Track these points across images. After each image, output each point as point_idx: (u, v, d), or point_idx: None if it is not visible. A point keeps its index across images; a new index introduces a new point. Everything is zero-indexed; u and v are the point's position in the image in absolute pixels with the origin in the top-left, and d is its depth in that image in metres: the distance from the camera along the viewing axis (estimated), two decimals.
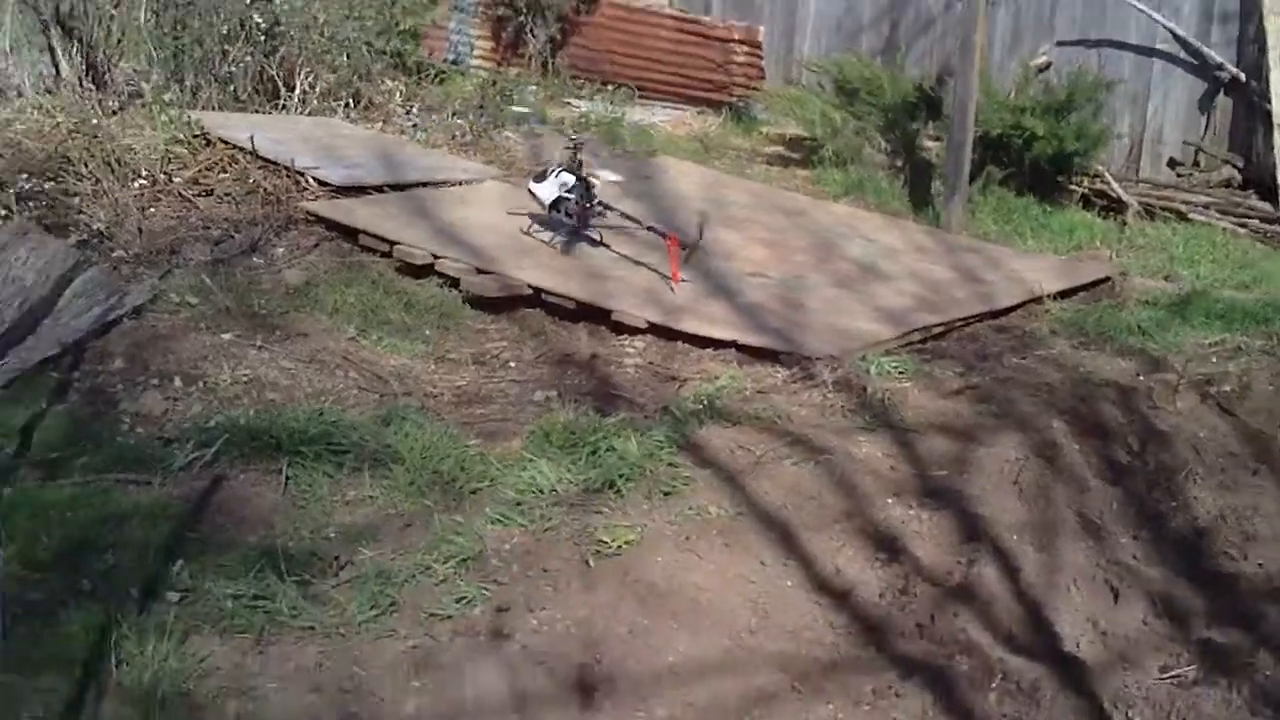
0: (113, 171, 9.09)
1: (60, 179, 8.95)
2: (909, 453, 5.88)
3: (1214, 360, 7.22)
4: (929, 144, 12.14)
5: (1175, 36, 12.14)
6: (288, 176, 9.58)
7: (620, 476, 5.51)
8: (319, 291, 7.93)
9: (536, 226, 9.07)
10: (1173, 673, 4.55)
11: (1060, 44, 12.75)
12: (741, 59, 14.33)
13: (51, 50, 11.18)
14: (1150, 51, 12.35)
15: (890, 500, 5.48)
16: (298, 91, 11.74)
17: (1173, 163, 12.35)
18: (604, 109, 13.67)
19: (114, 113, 10.27)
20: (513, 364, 7.56)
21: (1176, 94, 12.28)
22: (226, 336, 7.09)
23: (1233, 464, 5.75)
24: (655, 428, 6.02)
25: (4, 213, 8.22)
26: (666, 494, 5.41)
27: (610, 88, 14.40)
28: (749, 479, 5.52)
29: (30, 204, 8.60)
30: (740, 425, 6.12)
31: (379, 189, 9.64)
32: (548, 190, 8.82)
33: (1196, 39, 12.06)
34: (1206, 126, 12.19)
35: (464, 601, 4.75)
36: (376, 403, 6.62)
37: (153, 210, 8.99)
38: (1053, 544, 5.23)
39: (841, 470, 5.63)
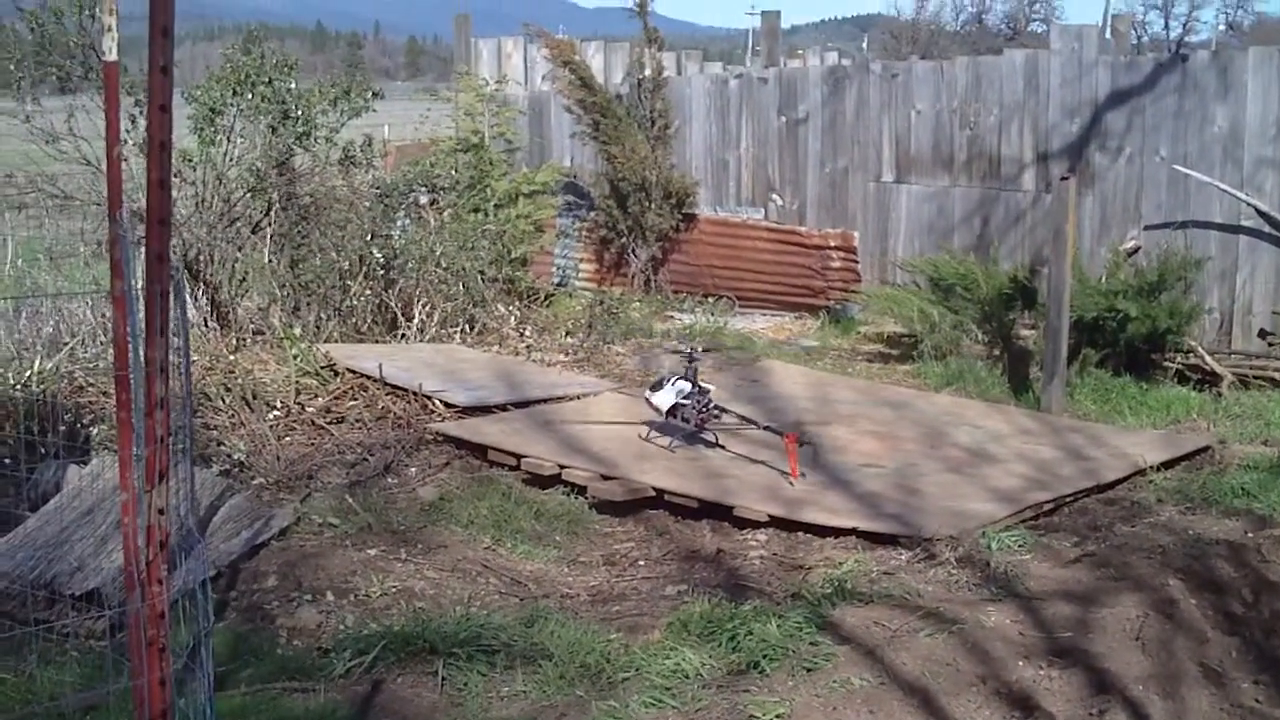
0: (248, 404, 9.60)
1: (199, 413, 9.44)
2: (1035, 618, 6.08)
3: None
4: (1025, 332, 12.40)
5: (1259, 212, 12.38)
6: (415, 401, 10.06)
7: (764, 657, 5.72)
8: (453, 505, 8.33)
9: (654, 433, 9.47)
10: None
11: (1148, 228, 13.03)
12: (838, 264, 14.76)
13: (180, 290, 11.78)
14: (1235, 228, 12.59)
15: (1021, 663, 5.67)
16: (416, 321, 12.29)
17: (1263, 333, 12.50)
18: (706, 320, 14.14)
19: (237, 349, 10.83)
20: (642, 562, 7.86)
21: (1263, 267, 12.49)
22: (371, 552, 7.45)
23: None
24: (791, 611, 6.25)
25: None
26: (809, 670, 5.61)
27: (710, 299, 14.89)
28: (887, 651, 5.73)
29: (174, 438, 9.06)
30: (872, 604, 6.35)
31: (502, 407, 10.10)
32: (665, 398, 9.22)
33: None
34: None
35: None
36: (518, 605, 6.90)
37: (288, 439, 9.48)
38: (1177, 692, 5.39)
39: (973, 638, 5.84)
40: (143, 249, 3.86)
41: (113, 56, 4.35)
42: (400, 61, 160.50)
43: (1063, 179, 11.21)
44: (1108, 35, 18.84)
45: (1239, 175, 12.49)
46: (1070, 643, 5.82)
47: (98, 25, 10.57)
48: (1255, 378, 11.47)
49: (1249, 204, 12.38)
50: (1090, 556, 6.97)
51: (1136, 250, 12.91)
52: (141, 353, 3.90)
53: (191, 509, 7.50)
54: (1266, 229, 12.41)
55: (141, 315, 3.85)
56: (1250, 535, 7.05)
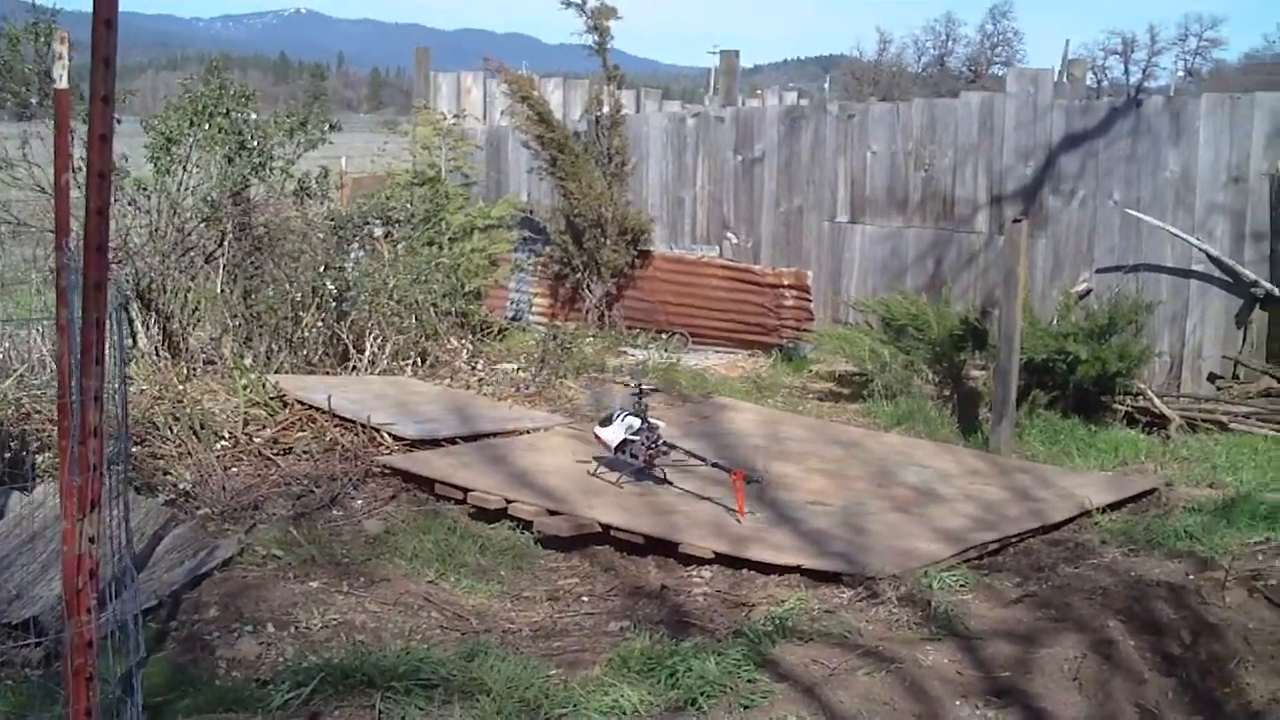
0: (196, 434, 9.55)
1: (147, 442, 9.40)
2: (974, 658, 6.09)
3: (1260, 557, 7.37)
4: (975, 373, 12.49)
5: (1210, 257, 12.53)
6: (364, 433, 10.04)
7: (702, 694, 5.71)
8: (398, 539, 8.31)
9: (603, 468, 9.46)
10: None
11: (1099, 271, 13.17)
12: (791, 303, 14.84)
13: (131, 322, 11.76)
14: (1186, 273, 12.74)
15: (959, 702, 5.68)
16: (368, 353, 12.27)
17: (1213, 376, 12.63)
18: (660, 356, 14.16)
19: (188, 379, 10.78)
20: (585, 598, 7.84)
21: (1214, 311, 12.63)
22: (314, 584, 7.41)
23: None
24: (731, 648, 6.24)
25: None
26: (746, 707, 5.60)
27: (664, 336, 14.93)
28: (824, 689, 5.72)
29: (113, 466, 9.03)
30: (812, 642, 6.35)
31: (451, 440, 10.09)
32: (614, 433, 9.23)
33: (1230, 258, 12.44)
34: (1244, 340, 12.49)
35: None
36: (459, 640, 6.86)
37: (235, 469, 9.43)
38: None
39: (911, 677, 5.84)
40: None
41: (63, 84, 4.34)
42: (363, 93, 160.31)
43: (1015, 221, 11.31)
44: (1064, 79, 19.03)
45: (1190, 220, 12.63)
46: (1008, 682, 5.84)
47: (52, 53, 10.55)
48: (1204, 421, 11.56)
49: (1200, 249, 12.51)
50: (1032, 597, 6.99)
51: (1088, 293, 13.02)
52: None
53: (129, 539, 7.50)
54: (1217, 273, 12.55)
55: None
56: (1191, 577, 7.09)
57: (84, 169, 9.87)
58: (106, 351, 3.85)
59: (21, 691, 5.92)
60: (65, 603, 4.22)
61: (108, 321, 3.94)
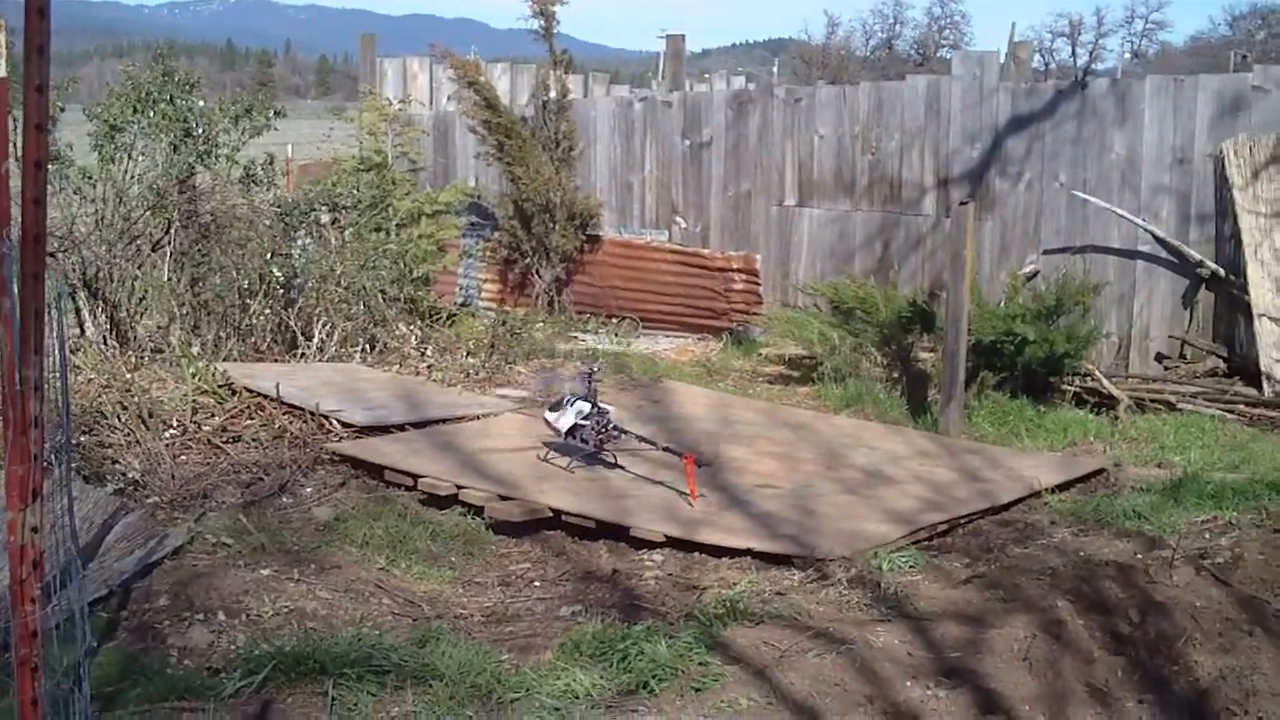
0: (144, 423, 9.48)
1: (95, 431, 9.33)
2: (924, 639, 6.13)
3: (1207, 536, 7.46)
4: (924, 355, 12.53)
5: (1156, 238, 12.63)
6: (312, 420, 9.99)
7: (653, 677, 5.73)
8: (348, 526, 8.27)
9: (554, 453, 9.46)
10: None
11: (1046, 252, 13.25)
12: (740, 286, 14.87)
13: (78, 311, 11.68)
14: (1133, 254, 12.83)
15: (909, 682, 5.71)
16: (316, 340, 12.22)
17: (1160, 356, 12.75)
18: (610, 341, 14.19)
19: (136, 367, 10.72)
20: (537, 583, 7.85)
21: (1160, 292, 12.74)
22: (265, 572, 7.37)
23: (1229, 628, 5.96)
24: (682, 631, 6.26)
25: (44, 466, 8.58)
26: (698, 690, 5.62)
27: (615, 320, 14.95)
28: (775, 671, 5.75)
29: (57, 456, 8.97)
30: (763, 624, 6.38)
31: (401, 427, 10.05)
32: (564, 418, 9.24)
33: (1176, 239, 12.54)
34: (1190, 320, 12.60)
35: None
36: (411, 626, 6.85)
37: (184, 458, 9.36)
38: (1063, 712, 5.46)
39: (862, 658, 5.87)
40: None
41: (2, 73, 4.29)
42: (310, 80, 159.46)
43: (962, 204, 11.35)
44: (1010, 62, 19.12)
45: (1136, 201, 12.73)
46: (958, 663, 5.88)
47: None
48: (1151, 401, 11.64)
49: (1146, 229, 12.61)
50: (981, 577, 7.04)
51: (1035, 275, 13.10)
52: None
53: (74, 528, 7.45)
54: (1163, 254, 12.65)
55: None
56: (1140, 556, 7.14)
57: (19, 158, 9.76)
58: (47, 342, 3.82)
59: None
60: (10, 593, 4.19)
61: (48, 311, 3.91)
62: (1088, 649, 6.01)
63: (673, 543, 8.08)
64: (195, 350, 11.05)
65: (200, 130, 12.92)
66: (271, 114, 13.72)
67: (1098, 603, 6.44)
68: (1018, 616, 6.31)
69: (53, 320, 4.07)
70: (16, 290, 3.82)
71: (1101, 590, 6.56)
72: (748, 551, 7.80)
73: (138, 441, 9.25)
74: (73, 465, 8.73)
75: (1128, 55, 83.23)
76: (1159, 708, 5.51)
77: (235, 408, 10.18)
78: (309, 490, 8.95)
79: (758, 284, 14.90)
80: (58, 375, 4.62)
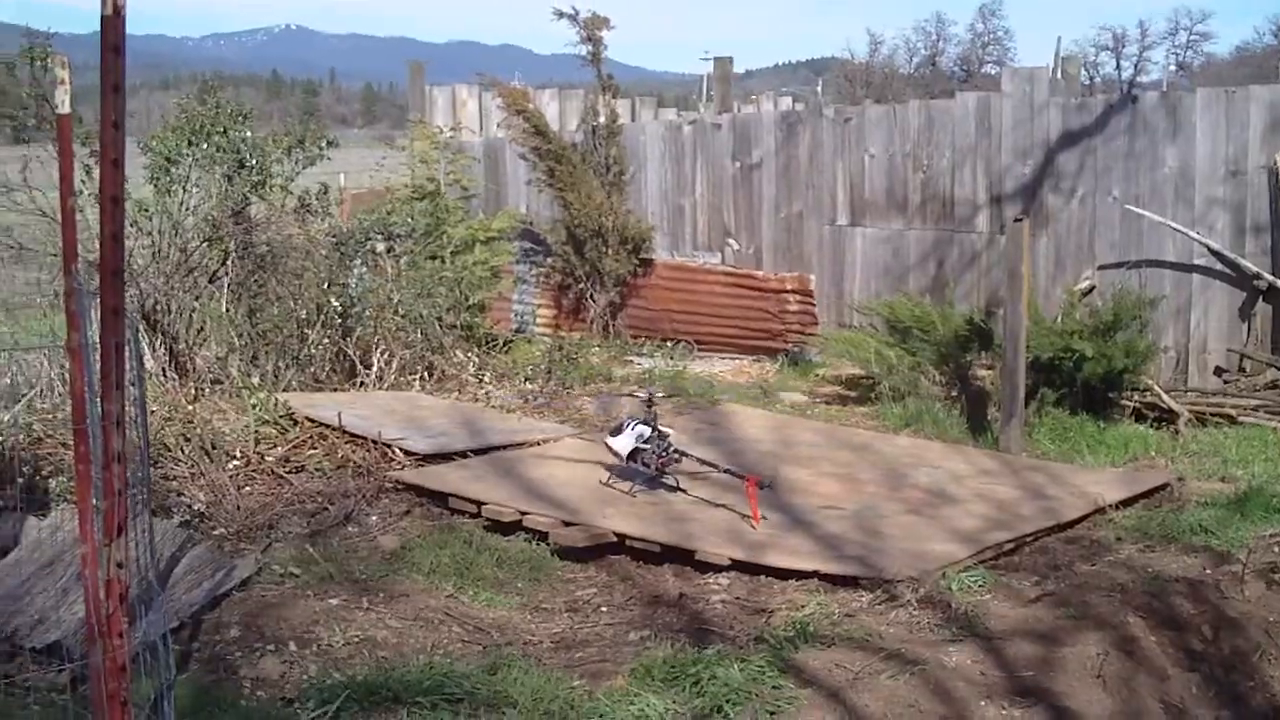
0: (208, 455, 9.55)
1: (159, 464, 9.38)
2: (996, 658, 6.11)
3: (1276, 550, 7.37)
4: (982, 373, 12.47)
5: (1211, 251, 12.53)
6: (375, 449, 10.04)
7: (727, 701, 5.71)
8: (415, 554, 8.30)
9: (615, 477, 9.47)
10: None
11: (1102, 267, 13.17)
12: (795, 307, 14.86)
13: (137, 343, 11.75)
14: (1189, 267, 12.73)
15: (984, 702, 5.69)
16: (375, 368, 12.28)
17: (1219, 370, 12.64)
18: (665, 364, 14.18)
19: (196, 399, 10.79)
20: (604, 608, 7.84)
21: (1217, 305, 12.64)
22: (333, 601, 7.41)
23: None
24: (753, 655, 6.25)
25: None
26: (773, 713, 5.61)
27: (669, 344, 14.95)
28: (850, 693, 5.73)
29: (133, 490, 9.04)
30: (834, 646, 6.36)
31: (463, 454, 10.09)
32: (625, 442, 9.24)
33: (1232, 251, 12.44)
34: (1248, 333, 12.50)
35: None
36: (481, 653, 6.86)
37: (248, 488, 9.43)
38: None
39: (935, 678, 5.85)
40: (98, 301, 3.85)
41: (65, 109, 4.35)
42: (356, 109, 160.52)
43: (1016, 220, 11.32)
44: (1059, 77, 19.04)
45: (1190, 214, 12.64)
46: (1032, 682, 5.85)
47: (50, 76, 10.56)
48: (1212, 414, 11.54)
49: (1201, 243, 12.51)
50: (1050, 595, 7.00)
51: (1091, 290, 13.03)
52: (99, 405, 3.88)
53: (152, 561, 7.51)
54: (1219, 267, 12.55)
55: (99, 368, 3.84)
56: (1209, 572, 7.10)
57: (83, 192, 9.85)
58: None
59: (50, 716, 5.92)
60: (89, 627, 4.22)
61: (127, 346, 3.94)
62: (1161, 666, 5.97)
63: (738, 566, 8.06)
64: (255, 381, 11.12)
65: (254, 161, 13.02)
66: (325, 143, 13.82)
67: (1169, 619, 6.40)
68: (1089, 634, 6.28)
69: (129, 354, 4.11)
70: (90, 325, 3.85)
71: (1172, 606, 6.52)
72: (814, 573, 7.77)
73: (202, 473, 9.31)
74: (145, 498, 8.81)
75: (1172, 67, 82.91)
76: None
77: (297, 438, 10.24)
78: (374, 519, 9.00)
79: (812, 304, 14.88)
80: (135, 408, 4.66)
